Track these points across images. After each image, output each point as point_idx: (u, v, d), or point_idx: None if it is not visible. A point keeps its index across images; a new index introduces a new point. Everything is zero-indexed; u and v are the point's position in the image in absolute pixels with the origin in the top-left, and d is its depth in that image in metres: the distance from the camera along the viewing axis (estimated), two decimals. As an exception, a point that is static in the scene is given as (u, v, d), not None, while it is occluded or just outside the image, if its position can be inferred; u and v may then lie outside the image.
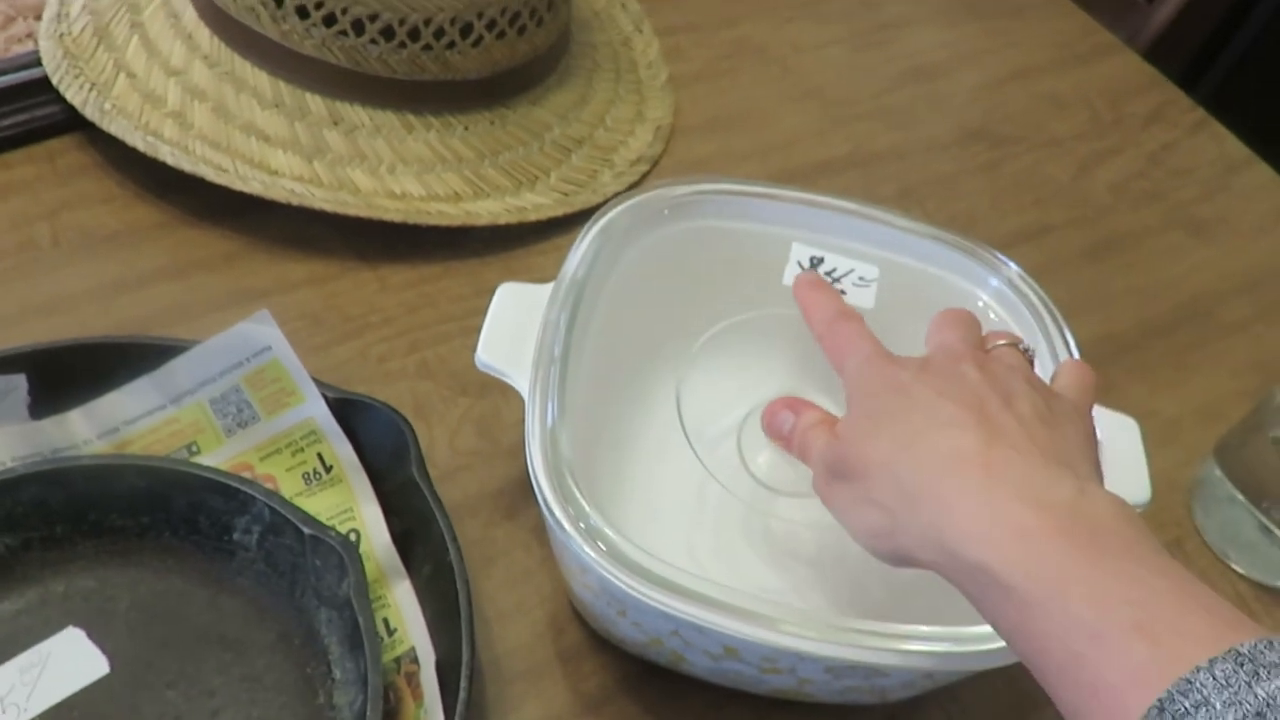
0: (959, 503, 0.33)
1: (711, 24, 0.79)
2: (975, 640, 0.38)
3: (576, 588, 0.43)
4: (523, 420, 0.53)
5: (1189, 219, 0.73)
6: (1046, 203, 0.72)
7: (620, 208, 0.49)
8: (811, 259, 0.51)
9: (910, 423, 0.36)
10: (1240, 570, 0.55)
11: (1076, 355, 0.47)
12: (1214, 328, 0.67)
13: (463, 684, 0.39)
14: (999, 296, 0.50)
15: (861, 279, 0.50)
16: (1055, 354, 0.47)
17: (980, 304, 0.50)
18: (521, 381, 0.43)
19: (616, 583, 0.38)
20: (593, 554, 0.38)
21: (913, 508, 0.34)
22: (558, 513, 0.39)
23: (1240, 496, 0.54)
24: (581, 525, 0.39)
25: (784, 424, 0.42)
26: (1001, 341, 0.40)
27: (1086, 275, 0.68)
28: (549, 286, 0.46)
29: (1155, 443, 0.47)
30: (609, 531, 0.38)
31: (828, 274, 0.50)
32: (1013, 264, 0.50)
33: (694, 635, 0.39)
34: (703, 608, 0.37)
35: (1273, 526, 0.53)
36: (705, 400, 0.49)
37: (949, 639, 0.38)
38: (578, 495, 0.39)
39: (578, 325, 0.45)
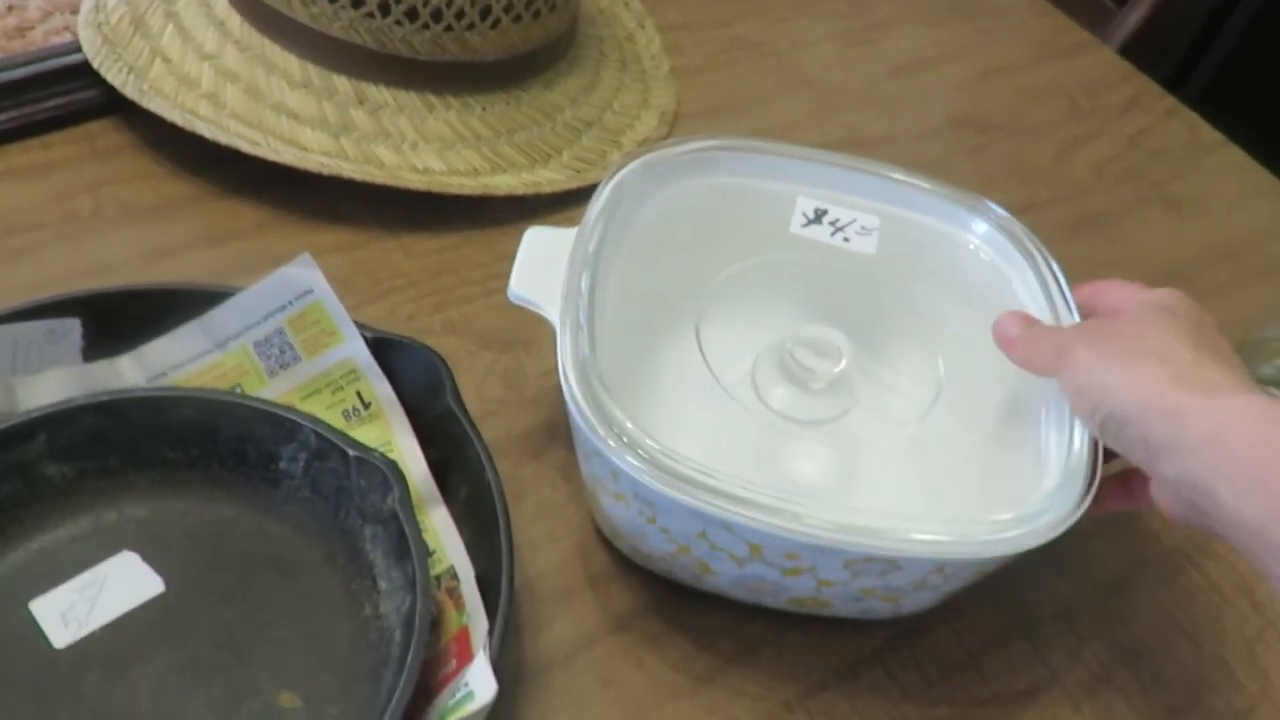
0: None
1: (708, 23, 0.83)
2: (983, 529, 0.41)
3: (606, 502, 0.46)
4: (545, 373, 0.57)
5: (1166, 196, 0.77)
6: (1032, 182, 0.76)
7: (636, 162, 0.52)
8: (816, 210, 0.54)
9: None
10: (1227, 503, 0.57)
11: (1064, 283, 0.51)
12: (1194, 293, 0.69)
13: (504, 580, 0.42)
14: (989, 239, 0.54)
15: (864, 228, 0.54)
16: (1045, 285, 0.50)
17: (972, 246, 0.54)
18: (552, 311, 0.46)
19: (649, 483, 0.40)
20: (629, 458, 0.41)
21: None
22: (593, 420, 0.41)
23: (1224, 435, 0.57)
24: (620, 434, 0.41)
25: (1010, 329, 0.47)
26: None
27: (1072, 248, 0.71)
28: (573, 230, 0.49)
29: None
30: (643, 437, 0.41)
31: (832, 223, 0.54)
32: (1000, 208, 0.54)
33: (721, 536, 0.42)
34: (731, 502, 0.40)
35: (1256, 460, 0.56)
36: (721, 342, 0.52)
37: (958, 526, 0.41)
38: (611, 405, 0.42)
39: (601, 265, 0.48)
